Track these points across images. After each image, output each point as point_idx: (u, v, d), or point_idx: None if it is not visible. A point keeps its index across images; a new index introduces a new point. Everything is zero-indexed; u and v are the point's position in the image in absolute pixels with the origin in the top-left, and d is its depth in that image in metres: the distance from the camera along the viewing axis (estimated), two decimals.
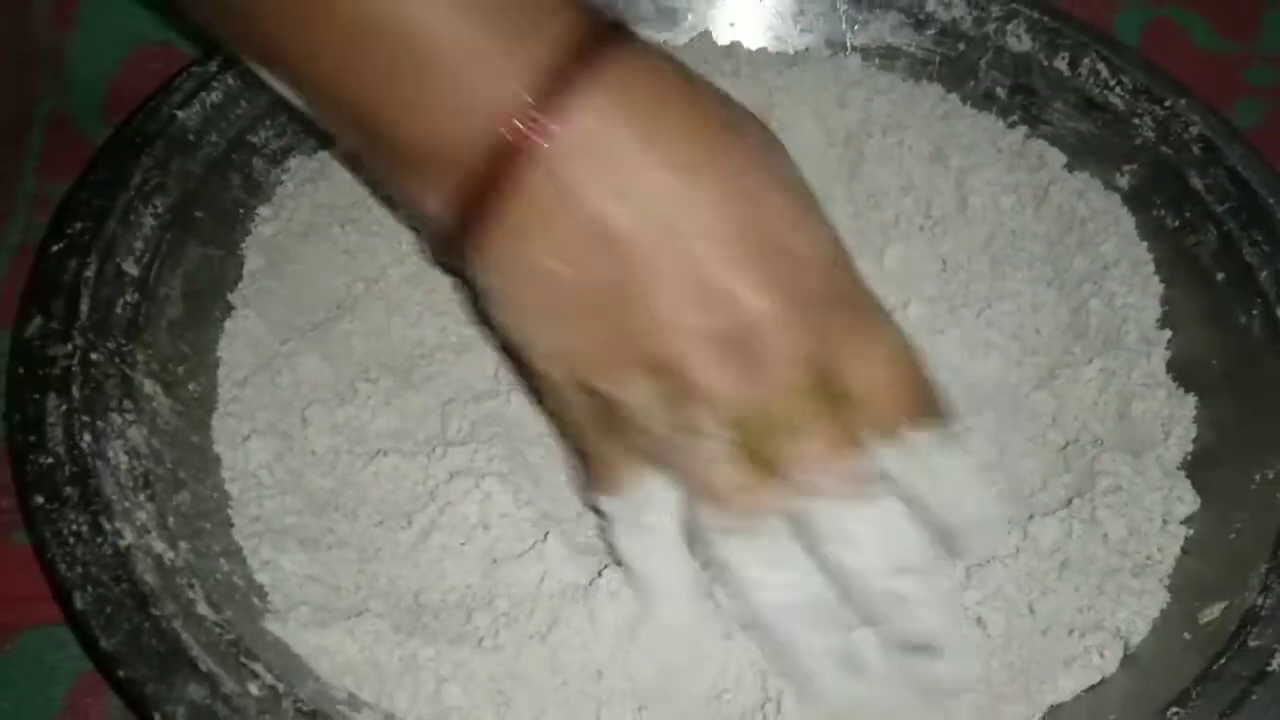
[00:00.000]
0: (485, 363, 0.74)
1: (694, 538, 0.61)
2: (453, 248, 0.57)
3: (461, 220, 0.55)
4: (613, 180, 0.53)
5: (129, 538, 0.61)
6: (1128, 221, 0.83)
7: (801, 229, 0.56)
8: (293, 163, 0.81)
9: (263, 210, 0.79)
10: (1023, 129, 0.87)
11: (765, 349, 0.54)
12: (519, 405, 0.72)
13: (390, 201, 0.78)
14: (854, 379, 0.56)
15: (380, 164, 0.60)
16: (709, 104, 0.56)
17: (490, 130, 0.53)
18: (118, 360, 0.67)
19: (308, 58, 0.56)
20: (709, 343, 0.54)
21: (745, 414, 0.55)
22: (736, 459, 0.56)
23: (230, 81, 0.78)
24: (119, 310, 0.69)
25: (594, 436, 0.60)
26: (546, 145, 0.52)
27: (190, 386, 0.71)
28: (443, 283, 0.76)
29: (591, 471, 0.63)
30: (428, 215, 0.57)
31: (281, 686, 0.58)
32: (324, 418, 0.71)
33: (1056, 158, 0.85)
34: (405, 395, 0.73)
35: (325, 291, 0.77)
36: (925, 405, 0.58)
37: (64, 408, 0.64)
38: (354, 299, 0.76)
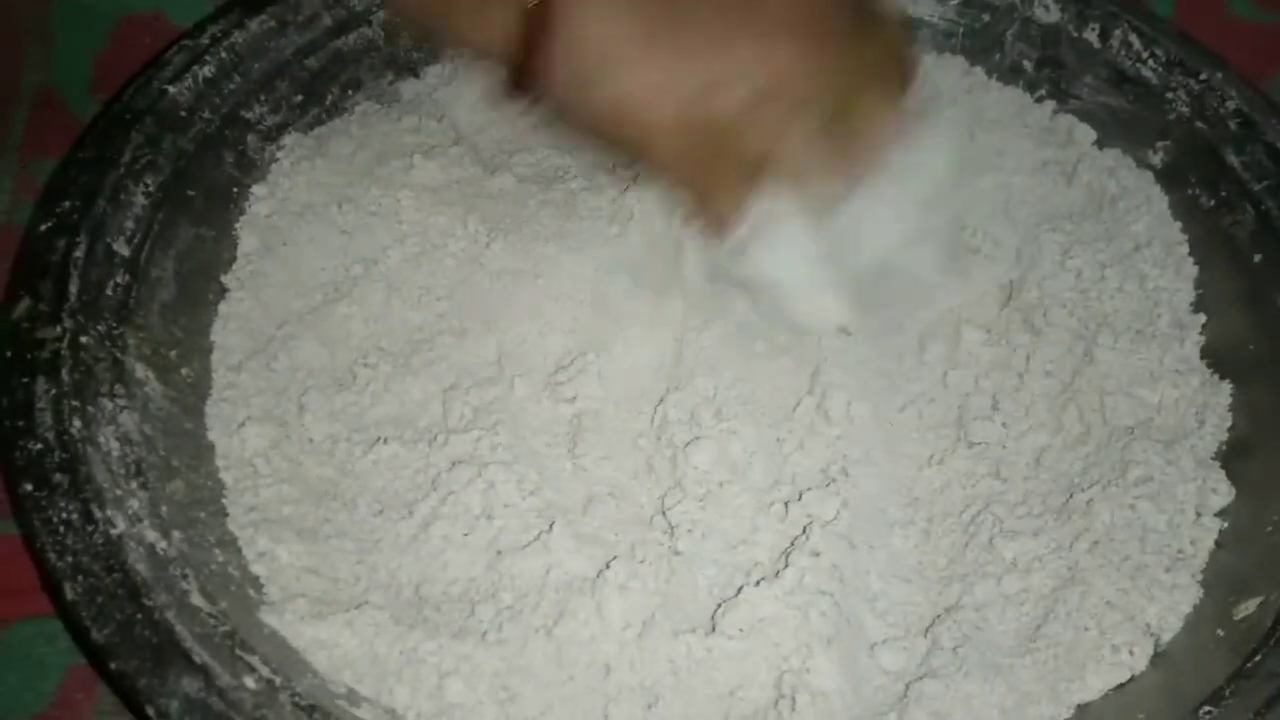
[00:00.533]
0: (487, 348, 0.75)
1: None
2: (535, 56, 0.64)
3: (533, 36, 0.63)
4: None
5: (121, 526, 0.62)
6: (1160, 201, 0.83)
7: None
8: (288, 139, 0.82)
9: (257, 189, 0.80)
10: (1050, 104, 0.88)
11: (818, 32, 0.65)
12: (522, 392, 0.73)
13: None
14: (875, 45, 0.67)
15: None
16: None
17: None
18: (108, 344, 0.68)
19: None
20: (775, 39, 0.64)
21: (821, 83, 0.65)
22: (827, 131, 0.66)
23: (223, 55, 0.80)
24: (109, 292, 0.70)
25: (705, 175, 0.67)
26: None
27: (183, 371, 0.72)
28: (444, 265, 0.77)
29: (709, 209, 0.69)
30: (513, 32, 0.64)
31: (278, 680, 0.59)
32: (321, 404, 0.72)
33: (1086, 134, 0.86)
34: (405, 381, 0.73)
35: (322, 273, 0.78)
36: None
37: (53, 392, 0.65)
38: (352, 281, 0.77)
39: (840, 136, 0.66)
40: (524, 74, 0.64)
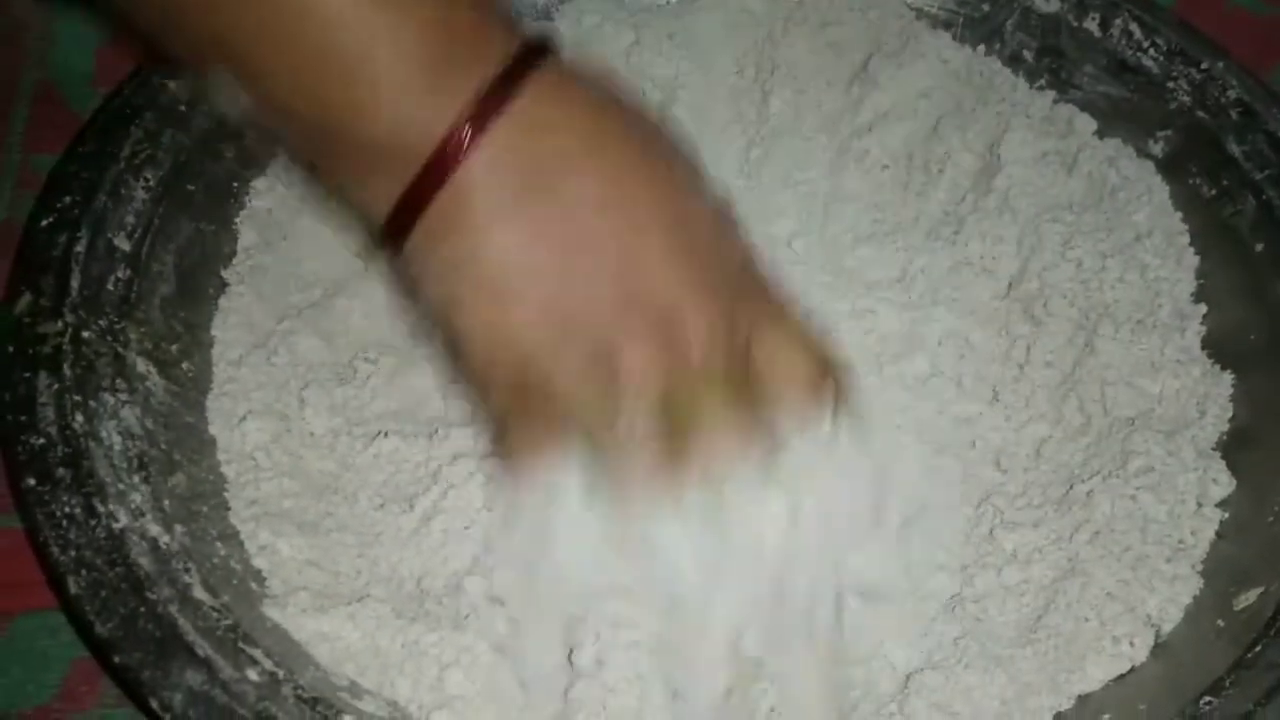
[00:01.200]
0: None
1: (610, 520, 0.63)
2: (390, 242, 0.61)
3: (400, 219, 0.60)
4: (547, 183, 0.59)
5: (123, 520, 0.62)
6: (1161, 191, 0.83)
7: (719, 233, 0.64)
8: None
9: (257, 183, 0.80)
10: (1051, 93, 0.88)
11: (690, 335, 0.60)
12: None
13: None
14: (761, 360, 0.62)
15: (329, 166, 0.64)
16: (633, 121, 0.63)
17: (428, 142, 0.58)
18: (109, 338, 0.69)
19: (260, 61, 0.59)
20: (641, 328, 0.60)
21: (671, 396, 0.60)
22: (659, 443, 0.61)
23: None
24: (110, 287, 0.71)
25: (516, 420, 0.63)
26: (478, 155, 0.58)
27: (184, 366, 0.72)
28: None
29: (508, 449, 0.64)
30: (370, 213, 0.61)
31: (281, 673, 0.60)
32: (322, 398, 0.72)
33: (1086, 124, 0.86)
34: (406, 375, 0.74)
35: (322, 268, 0.78)
36: (818, 379, 0.64)
37: (55, 387, 0.66)
38: (352, 275, 0.77)
39: (674, 442, 0.61)
40: (385, 234, 0.62)
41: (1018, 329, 0.78)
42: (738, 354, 0.62)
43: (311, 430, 0.72)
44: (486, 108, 0.58)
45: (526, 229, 0.59)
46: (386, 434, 0.71)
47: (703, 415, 0.61)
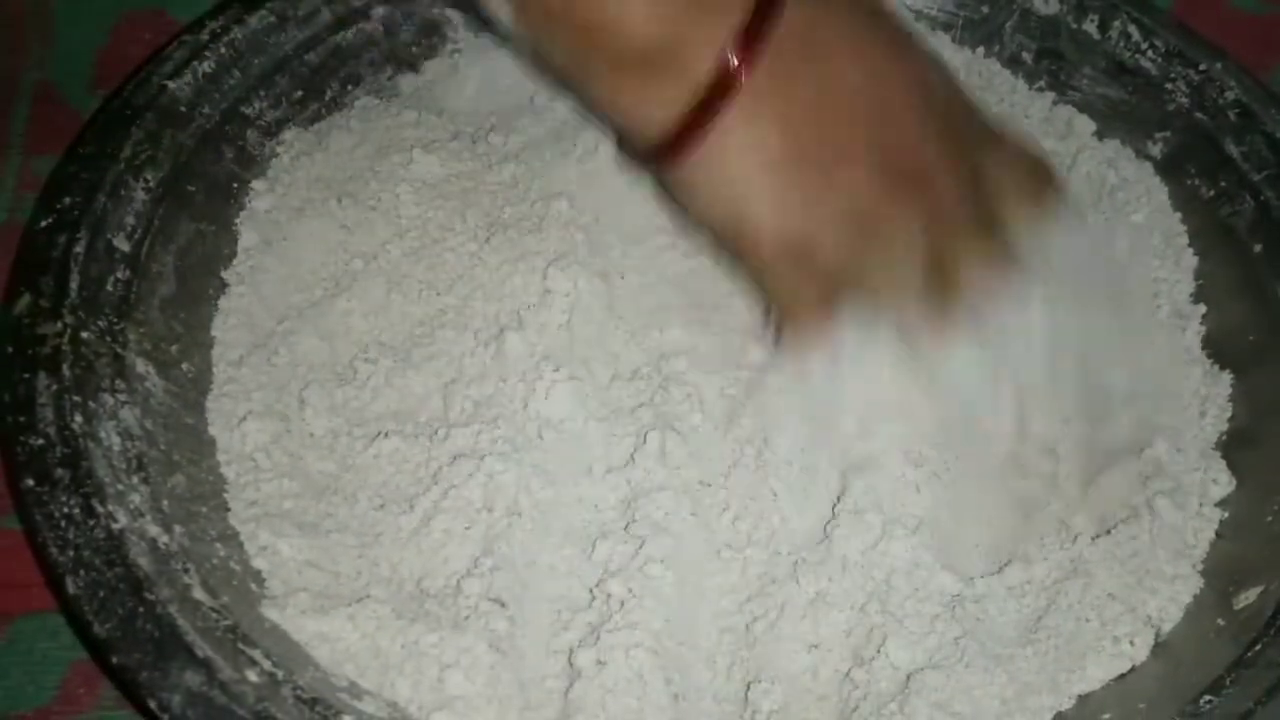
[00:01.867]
0: (488, 341, 0.75)
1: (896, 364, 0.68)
2: (661, 151, 0.67)
3: (687, 130, 0.65)
4: (816, 72, 0.66)
5: (122, 521, 0.62)
6: (1160, 191, 0.83)
7: (952, 93, 0.71)
8: (288, 134, 0.81)
9: (257, 184, 0.80)
10: (1050, 95, 0.88)
11: (944, 190, 0.68)
12: (523, 386, 0.73)
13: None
14: (998, 193, 0.70)
15: (598, 88, 0.68)
16: (872, 10, 0.70)
17: (707, 57, 0.64)
18: (109, 339, 0.69)
19: None
20: (903, 190, 0.67)
21: (936, 246, 0.67)
22: (935, 289, 0.68)
23: (223, 51, 0.79)
24: (110, 288, 0.70)
25: (803, 293, 0.69)
26: (763, 65, 0.64)
27: (184, 366, 0.72)
28: (445, 259, 0.77)
29: (796, 331, 0.70)
30: (641, 121, 0.67)
31: (280, 674, 0.59)
32: (322, 399, 0.72)
33: (1085, 125, 0.86)
34: (406, 375, 0.73)
35: (322, 268, 0.78)
36: (1044, 191, 0.73)
37: (54, 388, 0.65)
38: (352, 276, 0.77)
39: (939, 284, 0.68)
40: (651, 158, 0.68)
41: None
42: (984, 198, 0.69)
43: (311, 431, 0.71)
44: (761, 19, 0.64)
45: (802, 116, 0.65)
46: (386, 434, 0.71)
47: (967, 258, 0.68)
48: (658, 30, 0.64)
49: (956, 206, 0.68)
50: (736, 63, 0.63)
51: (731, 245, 0.70)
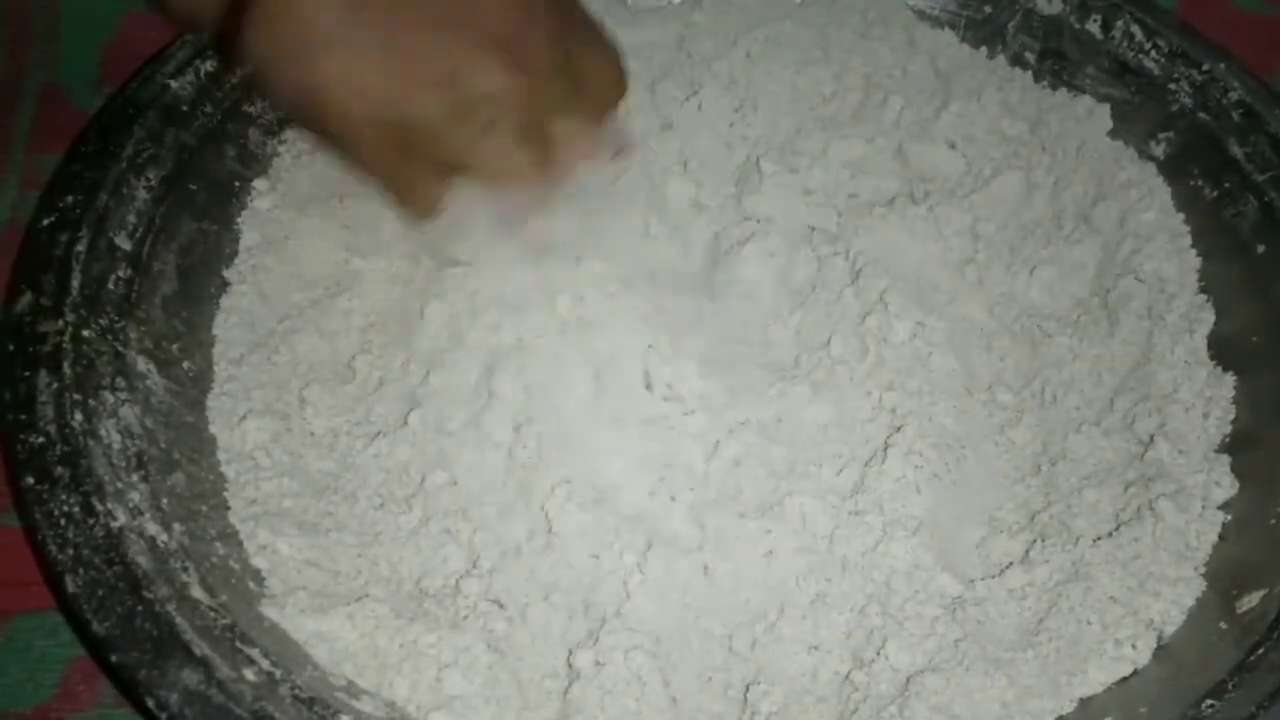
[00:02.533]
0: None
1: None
2: (237, 24, 0.62)
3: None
4: None
5: (121, 519, 0.62)
6: (1163, 192, 0.83)
7: None
8: (289, 134, 0.82)
9: (258, 183, 0.80)
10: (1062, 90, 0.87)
11: (528, 50, 0.65)
12: (525, 386, 0.72)
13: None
14: (584, 69, 0.69)
15: None
16: None
17: None
18: (110, 337, 0.68)
19: None
20: (487, 56, 0.64)
21: (523, 99, 0.66)
22: (524, 145, 0.67)
23: None
24: (111, 286, 0.70)
25: (399, 170, 0.67)
26: None
27: (185, 365, 0.71)
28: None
29: (405, 204, 0.69)
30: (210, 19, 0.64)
31: (278, 673, 0.59)
32: (323, 398, 0.72)
33: (1102, 119, 0.85)
34: (408, 374, 0.73)
35: (323, 267, 0.78)
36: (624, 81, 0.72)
37: (55, 386, 0.65)
38: (353, 275, 0.77)
39: (537, 148, 0.68)
40: (226, 42, 0.64)
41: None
42: (569, 67, 0.68)
43: (312, 430, 0.71)
44: None
45: None
46: (386, 434, 0.71)
47: (555, 119, 0.67)
48: None
49: (544, 75, 0.66)
50: None
51: (315, 122, 0.66)
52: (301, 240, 0.78)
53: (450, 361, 0.72)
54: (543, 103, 0.67)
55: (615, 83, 0.71)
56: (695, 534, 0.68)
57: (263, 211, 0.79)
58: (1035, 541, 0.70)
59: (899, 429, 0.72)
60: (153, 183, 0.74)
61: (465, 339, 0.73)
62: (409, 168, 0.66)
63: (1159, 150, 0.84)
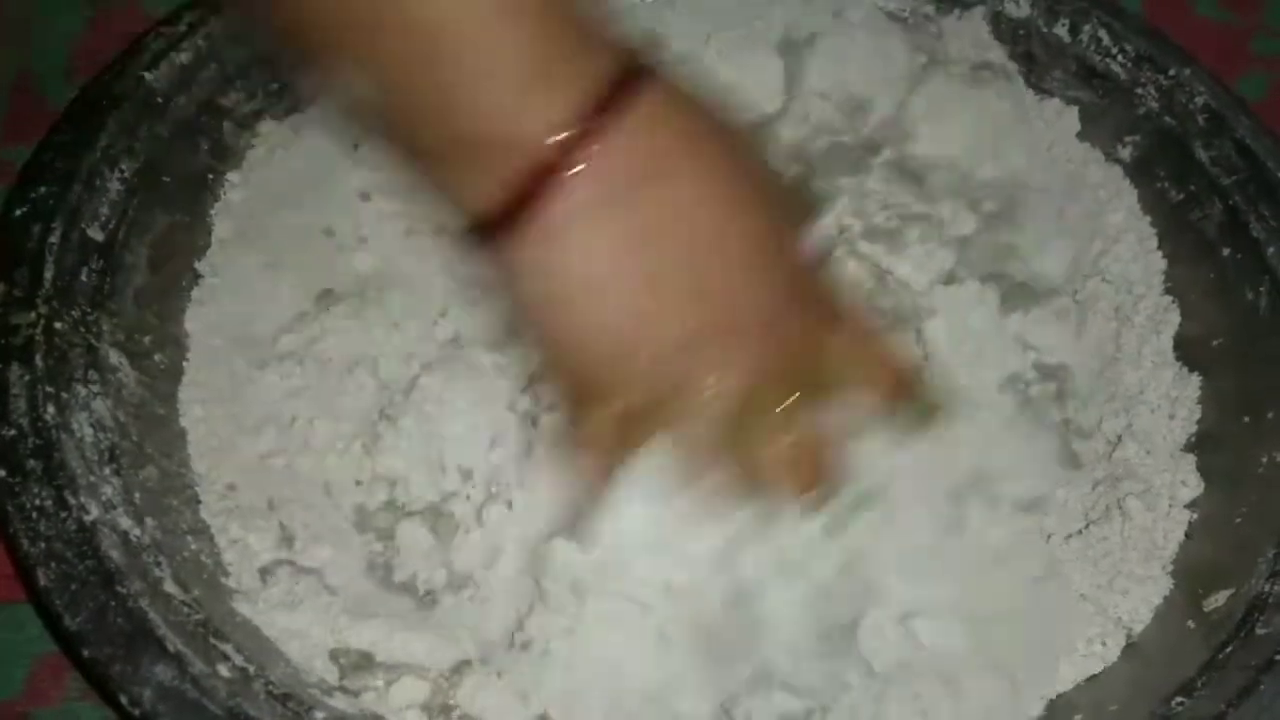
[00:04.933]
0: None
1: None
2: (490, 244, 0.59)
3: (504, 215, 0.58)
4: (649, 196, 0.58)
5: (94, 513, 0.61)
6: (1130, 194, 0.82)
7: (794, 252, 0.64)
8: (264, 127, 0.80)
9: (232, 176, 0.78)
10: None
11: (764, 349, 0.61)
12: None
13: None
14: (834, 369, 0.63)
15: (429, 154, 0.61)
16: (729, 143, 0.62)
17: (539, 137, 0.56)
18: (82, 330, 0.67)
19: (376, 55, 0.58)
20: (720, 341, 0.60)
21: (743, 409, 0.60)
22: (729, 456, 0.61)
23: (200, 43, 0.77)
24: (84, 278, 0.69)
25: (597, 418, 0.62)
26: (595, 154, 0.57)
27: (157, 358, 0.70)
28: (426, 254, 0.76)
29: (586, 445, 0.63)
30: (469, 208, 0.60)
31: (252, 669, 0.58)
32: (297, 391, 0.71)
33: (1070, 122, 0.85)
34: (381, 368, 0.72)
35: (299, 261, 0.76)
36: (893, 383, 0.65)
37: (27, 378, 0.64)
38: (330, 269, 0.76)
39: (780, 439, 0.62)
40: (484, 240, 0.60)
41: None
42: (809, 369, 0.62)
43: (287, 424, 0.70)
44: (598, 114, 0.57)
45: (625, 235, 0.59)
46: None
47: (773, 429, 0.61)
48: (492, 105, 0.57)
49: (779, 373, 0.61)
50: (573, 146, 0.57)
51: (539, 351, 0.64)
52: (275, 234, 0.76)
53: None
54: (763, 406, 0.61)
55: (875, 393, 0.64)
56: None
57: (235, 204, 0.77)
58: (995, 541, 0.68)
59: None
60: (126, 174, 0.72)
61: None
62: (613, 420, 0.62)
63: (1125, 153, 0.83)
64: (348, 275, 0.76)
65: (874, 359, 0.65)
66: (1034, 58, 0.86)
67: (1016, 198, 0.80)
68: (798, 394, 0.61)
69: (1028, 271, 0.77)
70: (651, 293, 0.59)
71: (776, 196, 0.64)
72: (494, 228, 0.58)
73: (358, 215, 0.77)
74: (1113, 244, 0.80)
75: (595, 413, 0.61)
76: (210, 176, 0.77)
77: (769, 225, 0.62)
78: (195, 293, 0.74)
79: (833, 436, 0.62)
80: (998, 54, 0.85)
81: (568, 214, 0.57)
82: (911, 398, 0.65)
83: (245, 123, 0.79)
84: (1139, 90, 0.83)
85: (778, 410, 0.61)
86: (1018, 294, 0.76)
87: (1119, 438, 0.72)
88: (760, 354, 0.61)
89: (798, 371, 0.62)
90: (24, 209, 0.69)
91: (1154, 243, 0.80)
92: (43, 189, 0.70)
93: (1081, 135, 0.84)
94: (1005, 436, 0.71)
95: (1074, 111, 0.84)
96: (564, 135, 0.56)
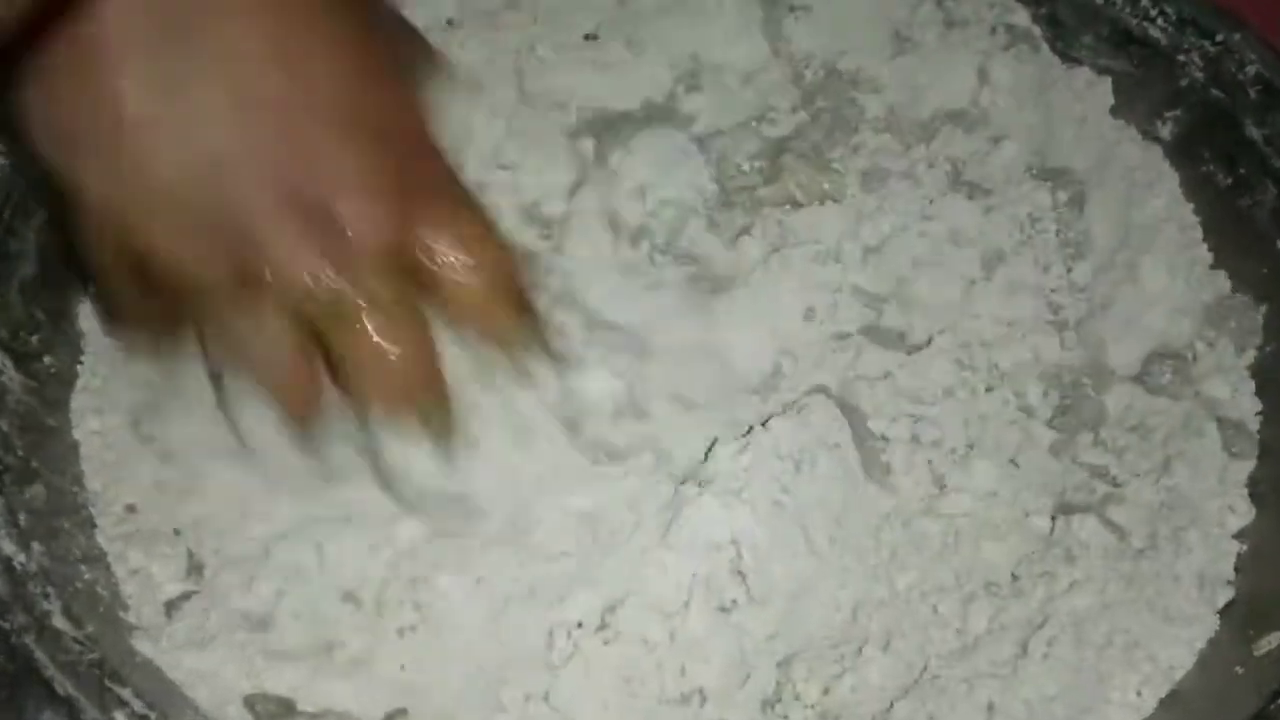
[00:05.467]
0: None
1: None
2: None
3: (14, 47, 0.57)
4: (202, 25, 0.57)
5: None
6: (1170, 179, 0.82)
7: (402, 115, 0.63)
8: None
9: None
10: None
11: (352, 230, 0.60)
12: None
13: None
14: (438, 263, 0.62)
15: None
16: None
17: None
18: None
19: None
20: (294, 215, 0.59)
21: (316, 299, 0.60)
22: (301, 352, 0.61)
23: None
24: None
25: (131, 293, 0.63)
26: None
27: (45, 360, 0.71)
28: None
29: (121, 321, 0.66)
30: None
31: (154, 715, 0.58)
32: (204, 398, 0.69)
33: (1103, 95, 0.84)
34: None
35: None
36: (510, 295, 0.65)
37: None
38: None
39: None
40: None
41: None
42: (406, 260, 0.61)
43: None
44: None
45: (168, 78, 0.57)
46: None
47: (348, 322, 0.61)
48: None
49: (367, 265, 0.61)
50: None
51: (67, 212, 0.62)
52: None
53: None
54: (345, 309, 0.61)
55: (481, 289, 0.64)
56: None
57: None
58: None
59: (894, 420, 0.72)
60: (8, 148, 0.72)
61: None
62: (150, 297, 0.62)
63: (1166, 130, 0.83)
64: None
65: (498, 268, 0.64)
66: (1061, 21, 0.86)
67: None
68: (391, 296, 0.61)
69: None
70: (203, 147, 0.58)
71: (386, 39, 0.64)
72: (8, 58, 0.58)
73: None
74: (1152, 236, 0.80)
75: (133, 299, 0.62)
76: None
77: (370, 73, 0.61)
78: (91, 287, 0.74)
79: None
80: (1020, 16, 0.85)
81: (100, 40, 0.56)
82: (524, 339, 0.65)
83: None
84: (1181, 58, 0.83)
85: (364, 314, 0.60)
86: None
87: (1167, 460, 0.72)
88: (349, 237, 0.59)
89: (398, 268, 0.61)
90: None
91: (1198, 234, 0.80)
92: None
93: (1115, 110, 0.84)
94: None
95: (1107, 82, 0.84)
96: None
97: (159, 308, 0.62)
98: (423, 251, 0.62)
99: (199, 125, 0.58)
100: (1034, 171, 0.82)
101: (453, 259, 0.62)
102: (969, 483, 0.71)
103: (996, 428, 0.73)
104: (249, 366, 0.62)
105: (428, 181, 0.63)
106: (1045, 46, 0.85)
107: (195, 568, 0.67)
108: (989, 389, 0.74)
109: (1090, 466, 0.73)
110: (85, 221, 0.60)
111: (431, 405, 0.63)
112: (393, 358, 0.61)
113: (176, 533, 0.67)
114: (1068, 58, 0.85)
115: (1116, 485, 0.72)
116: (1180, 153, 0.83)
